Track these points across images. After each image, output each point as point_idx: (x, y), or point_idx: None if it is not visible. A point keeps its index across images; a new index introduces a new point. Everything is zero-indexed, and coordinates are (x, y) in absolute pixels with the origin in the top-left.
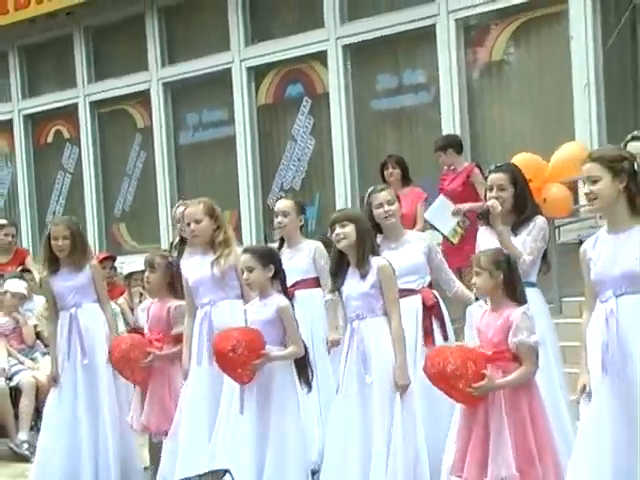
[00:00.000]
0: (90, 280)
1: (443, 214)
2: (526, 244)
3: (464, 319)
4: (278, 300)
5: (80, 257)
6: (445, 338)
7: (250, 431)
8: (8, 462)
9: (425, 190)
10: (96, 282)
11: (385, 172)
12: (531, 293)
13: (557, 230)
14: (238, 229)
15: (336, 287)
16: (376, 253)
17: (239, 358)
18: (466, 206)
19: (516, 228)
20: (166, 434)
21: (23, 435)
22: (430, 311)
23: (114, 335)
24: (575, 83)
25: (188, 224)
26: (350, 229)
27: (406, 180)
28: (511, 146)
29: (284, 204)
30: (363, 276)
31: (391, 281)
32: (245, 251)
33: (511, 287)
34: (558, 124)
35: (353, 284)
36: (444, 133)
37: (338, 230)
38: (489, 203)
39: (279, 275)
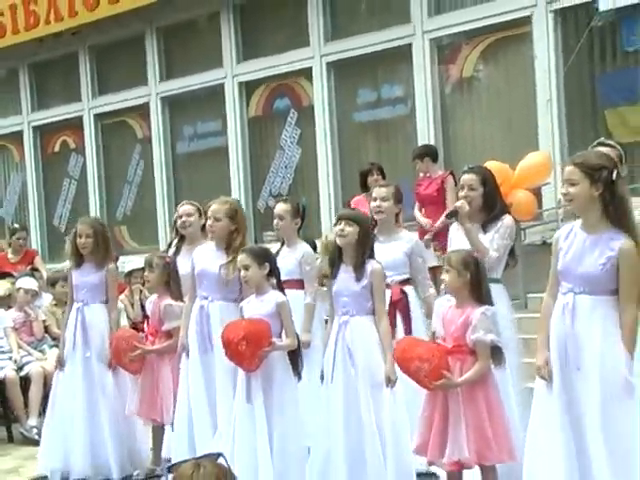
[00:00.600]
0: (103, 282)
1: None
2: (493, 241)
3: None
4: (276, 296)
5: (102, 256)
6: (407, 332)
7: (260, 417)
8: (19, 445)
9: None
10: (109, 285)
11: (369, 178)
12: (495, 289)
13: (523, 232)
14: None
15: (332, 276)
16: (372, 256)
17: (247, 348)
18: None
19: (485, 226)
20: (154, 421)
21: (32, 421)
22: (395, 305)
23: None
24: (538, 98)
25: (209, 217)
26: (353, 229)
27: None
28: (481, 155)
29: (280, 208)
30: (357, 277)
31: (382, 284)
32: (242, 251)
33: (477, 287)
34: (523, 135)
35: (345, 281)
36: (420, 143)
37: (342, 226)
38: (457, 204)
39: (274, 273)
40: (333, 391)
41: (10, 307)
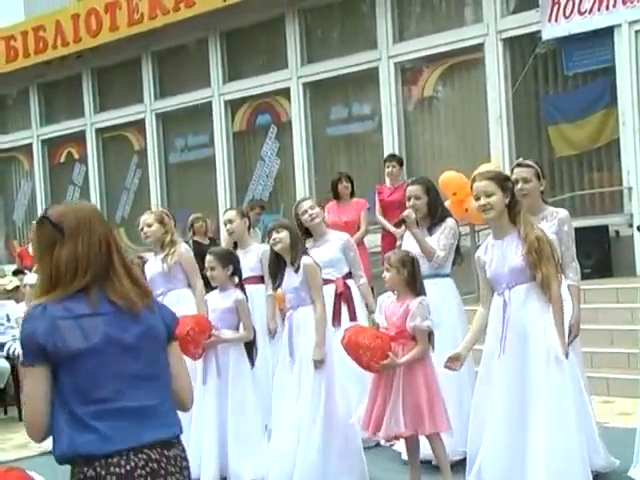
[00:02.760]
0: (178, 267)
1: None
2: (440, 242)
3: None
4: (236, 293)
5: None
6: (352, 319)
7: (212, 399)
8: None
9: (368, 201)
10: (185, 267)
11: (340, 185)
12: (446, 282)
13: (476, 234)
14: (217, 233)
15: (276, 286)
16: (305, 254)
17: (192, 339)
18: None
19: (430, 229)
20: None
21: None
22: (339, 297)
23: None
24: (490, 115)
25: (142, 229)
26: (284, 234)
27: (353, 193)
28: (440, 165)
29: (228, 214)
30: (296, 272)
31: (315, 275)
32: (209, 253)
33: (413, 282)
34: (477, 147)
35: (288, 280)
36: (385, 154)
37: (275, 235)
38: (404, 213)
39: (236, 273)
40: (285, 375)
41: (20, 301)
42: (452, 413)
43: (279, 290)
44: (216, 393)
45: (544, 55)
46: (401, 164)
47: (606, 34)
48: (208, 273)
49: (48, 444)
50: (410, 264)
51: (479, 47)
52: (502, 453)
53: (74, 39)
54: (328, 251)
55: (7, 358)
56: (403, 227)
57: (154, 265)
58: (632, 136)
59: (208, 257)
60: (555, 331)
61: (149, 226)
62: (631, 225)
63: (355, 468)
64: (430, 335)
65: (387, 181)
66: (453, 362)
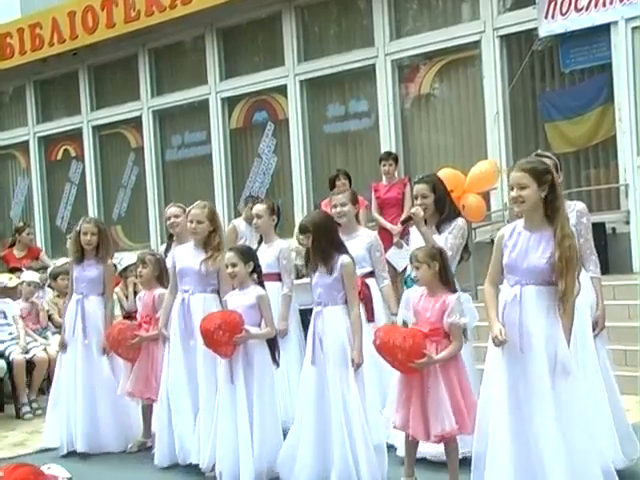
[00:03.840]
0: (101, 276)
1: (397, 255)
2: (447, 241)
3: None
4: (257, 290)
5: (103, 254)
6: (370, 319)
7: (242, 397)
8: (27, 421)
9: (365, 198)
10: (106, 279)
11: (337, 182)
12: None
13: (473, 231)
14: None
15: (309, 271)
16: (342, 251)
17: (223, 336)
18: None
19: (439, 227)
20: (148, 399)
21: (32, 396)
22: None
23: (108, 326)
24: (487, 112)
25: (191, 221)
26: (307, 238)
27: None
28: (436, 162)
29: (257, 208)
30: (328, 271)
31: (352, 275)
32: (230, 250)
33: (445, 275)
34: (474, 145)
35: (320, 276)
36: (382, 152)
37: (301, 236)
38: (412, 210)
39: (256, 270)
40: (307, 375)
41: (18, 298)
42: None
43: None
44: (246, 392)
45: (541, 52)
46: (396, 161)
47: (603, 31)
48: (229, 270)
49: (46, 443)
50: (439, 257)
51: (476, 44)
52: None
53: (70, 36)
54: (354, 248)
55: (2, 356)
56: (399, 225)
57: (190, 259)
58: (629, 133)
59: (229, 254)
60: (564, 342)
61: (199, 223)
62: (628, 222)
63: (381, 465)
64: (464, 332)
65: (383, 178)
66: (498, 341)
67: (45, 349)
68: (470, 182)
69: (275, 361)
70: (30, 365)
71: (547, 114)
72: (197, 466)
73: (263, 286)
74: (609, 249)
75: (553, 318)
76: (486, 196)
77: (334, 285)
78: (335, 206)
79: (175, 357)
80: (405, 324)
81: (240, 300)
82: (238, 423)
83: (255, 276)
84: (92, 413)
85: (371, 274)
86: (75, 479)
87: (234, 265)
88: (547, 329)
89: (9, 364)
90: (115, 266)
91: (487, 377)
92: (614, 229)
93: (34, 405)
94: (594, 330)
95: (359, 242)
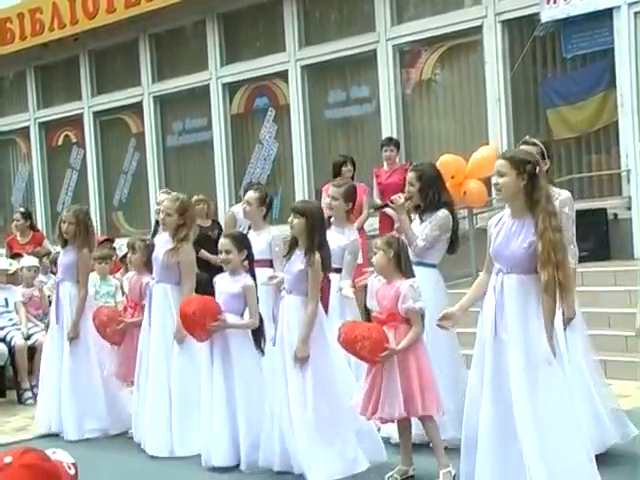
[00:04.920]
0: (74, 263)
1: None
2: (424, 231)
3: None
4: (245, 279)
5: (80, 242)
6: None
7: (219, 383)
8: (29, 407)
9: (367, 184)
10: (79, 267)
11: (343, 168)
12: (430, 273)
13: (475, 217)
14: (216, 216)
15: (287, 259)
16: (319, 248)
17: (199, 320)
18: None
19: (421, 216)
20: (131, 383)
21: (34, 381)
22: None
23: (79, 313)
24: (489, 98)
25: (162, 212)
26: (300, 221)
27: (353, 177)
28: (437, 147)
29: (249, 195)
30: (304, 260)
31: (318, 274)
32: (225, 236)
33: (399, 262)
34: (475, 130)
35: (293, 263)
36: (384, 137)
37: (291, 219)
38: (392, 197)
39: (249, 258)
40: (274, 357)
41: (18, 284)
42: (448, 395)
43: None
44: (223, 378)
45: (543, 37)
46: (398, 147)
47: (605, 16)
48: (222, 256)
49: (39, 429)
50: (396, 245)
51: (477, 29)
52: (495, 455)
53: (71, 21)
54: (337, 241)
55: (3, 341)
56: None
57: (160, 249)
58: (631, 119)
59: (224, 240)
60: (544, 332)
61: (169, 215)
62: (629, 208)
63: (346, 453)
64: (422, 317)
65: (385, 164)
66: (445, 320)
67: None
68: (471, 168)
69: (260, 348)
70: (31, 351)
71: (549, 100)
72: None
73: (254, 274)
74: (610, 235)
75: (534, 307)
76: (487, 182)
77: (300, 276)
78: (329, 196)
79: (146, 343)
80: (370, 313)
81: (228, 286)
82: (215, 408)
83: (247, 263)
84: (80, 400)
85: (338, 271)
86: (79, 464)
87: (228, 252)
88: (527, 318)
89: (10, 350)
90: (115, 251)
91: (474, 363)
92: (615, 215)
93: (36, 390)
94: (563, 320)
95: (341, 239)
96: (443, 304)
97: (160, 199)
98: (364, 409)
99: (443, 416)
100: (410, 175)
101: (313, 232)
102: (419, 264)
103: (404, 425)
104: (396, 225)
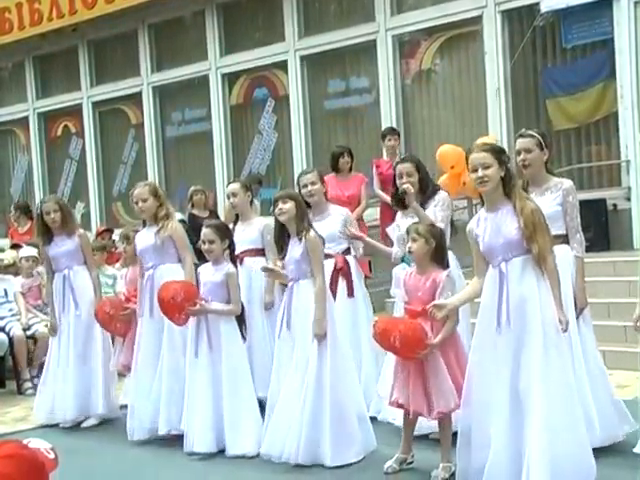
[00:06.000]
0: (78, 247)
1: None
2: (436, 214)
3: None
4: (228, 267)
5: (70, 227)
6: (350, 295)
7: (205, 371)
8: (28, 397)
9: (366, 174)
10: (84, 248)
11: (341, 159)
12: (450, 257)
13: (474, 207)
14: (215, 206)
15: (282, 256)
16: (310, 227)
17: (177, 304)
18: None
19: (424, 204)
20: None
21: (34, 372)
22: (338, 272)
23: (98, 294)
24: (488, 88)
25: (136, 202)
26: (290, 205)
27: (351, 168)
28: (437, 138)
29: (232, 187)
30: (299, 245)
31: (317, 248)
32: (207, 226)
33: (440, 254)
34: (475, 121)
35: (291, 252)
36: (383, 127)
37: (281, 205)
38: (405, 187)
39: (231, 247)
40: (283, 347)
41: (17, 274)
42: None
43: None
44: (209, 365)
45: (543, 27)
46: (399, 137)
47: (605, 6)
48: (205, 246)
49: (37, 420)
50: (439, 236)
51: (477, 19)
52: (504, 440)
53: (69, 11)
54: (329, 226)
55: (3, 331)
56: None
57: (145, 238)
58: (630, 109)
59: (206, 230)
60: (553, 304)
61: (144, 201)
62: (629, 198)
63: (355, 440)
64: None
65: (384, 155)
66: (438, 309)
67: (46, 325)
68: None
69: (242, 336)
70: (31, 341)
71: (548, 90)
72: (172, 439)
73: (235, 264)
74: (610, 225)
75: (542, 281)
76: None
77: (302, 259)
78: (305, 185)
79: (147, 335)
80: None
81: (211, 276)
82: (198, 394)
83: (228, 253)
84: (86, 383)
85: (348, 251)
86: (75, 454)
87: (211, 242)
88: (539, 297)
89: (10, 340)
90: (114, 242)
91: (475, 348)
92: (615, 205)
93: (35, 381)
94: (576, 310)
95: (333, 220)
96: (460, 288)
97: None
98: (404, 403)
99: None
100: (407, 166)
101: (303, 214)
102: None
103: (414, 417)
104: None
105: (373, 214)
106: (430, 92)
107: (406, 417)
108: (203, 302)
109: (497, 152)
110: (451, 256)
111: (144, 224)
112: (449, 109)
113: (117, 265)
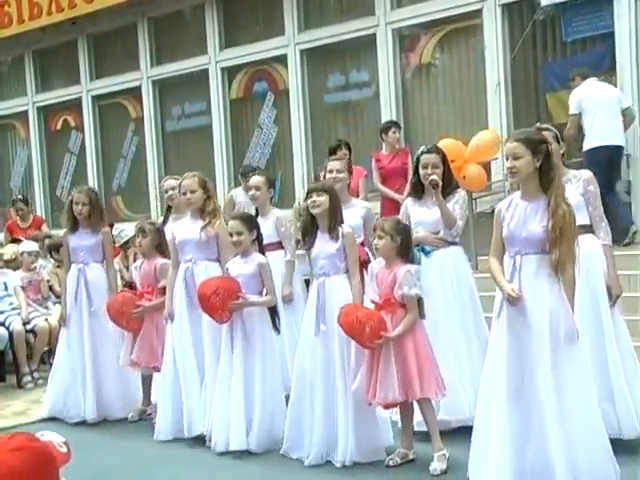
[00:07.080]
0: (100, 243)
1: None
2: (456, 212)
3: None
4: (259, 258)
5: (97, 222)
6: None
7: (239, 366)
8: (28, 391)
9: (365, 168)
10: (105, 246)
11: (338, 152)
12: (457, 251)
13: (474, 201)
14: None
15: (307, 247)
16: (342, 221)
17: (219, 301)
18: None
19: (444, 198)
20: (154, 369)
21: (33, 366)
22: (363, 266)
23: (113, 292)
24: (488, 82)
25: (184, 193)
26: (325, 198)
27: (350, 161)
28: (437, 132)
29: (256, 180)
30: (333, 239)
31: (354, 245)
32: (234, 218)
33: (405, 250)
34: (475, 115)
35: (322, 245)
36: (383, 121)
37: (315, 198)
38: (434, 177)
39: (258, 238)
40: (306, 346)
41: (18, 269)
42: (450, 380)
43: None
44: (243, 360)
45: (543, 21)
46: (400, 129)
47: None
48: (234, 238)
49: (45, 412)
50: (404, 232)
51: (477, 13)
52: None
53: (69, 5)
54: (351, 217)
55: (3, 325)
56: (405, 194)
57: (188, 230)
58: (631, 103)
59: (233, 222)
60: (566, 314)
61: (192, 192)
62: (629, 192)
63: (385, 436)
64: (419, 302)
65: (384, 148)
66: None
67: (46, 319)
68: (471, 152)
69: (276, 328)
70: (31, 335)
71: (548, 84)
72: (196, 438)
73: (264, 254)
74: (610, 219)
75: (556, 286)
76: (487, 166)
77: (338, 255)
78: (331, 171)
79: (181, 328)
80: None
81: (242, 268)
82: (232, 391)
83: (257, 244)
84: (99, 380)
85: (362, 244)
86: (77, 449)
87: (239, 233)
88: (550, 297)
89: (10, 334)
90: (114, 236)
91: (491, 349)
92: None
93: (35, 375)
94: (610, 299)
95: (355, 212)
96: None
97: (169, 185)
98: (365, 393)
99: (443, 398)
100: (433, 156)
101: (336, 208)
102: (454, 244)
103: (405, 409)
104: (402, 210)
105: (373, 208)
106: (430, 86)
107: (401, 412)
108: (246, 295)
109: (532, 142)
110: (462, 251)
111: (166, 217)
112: (449, 103)
113: (117, 260)
